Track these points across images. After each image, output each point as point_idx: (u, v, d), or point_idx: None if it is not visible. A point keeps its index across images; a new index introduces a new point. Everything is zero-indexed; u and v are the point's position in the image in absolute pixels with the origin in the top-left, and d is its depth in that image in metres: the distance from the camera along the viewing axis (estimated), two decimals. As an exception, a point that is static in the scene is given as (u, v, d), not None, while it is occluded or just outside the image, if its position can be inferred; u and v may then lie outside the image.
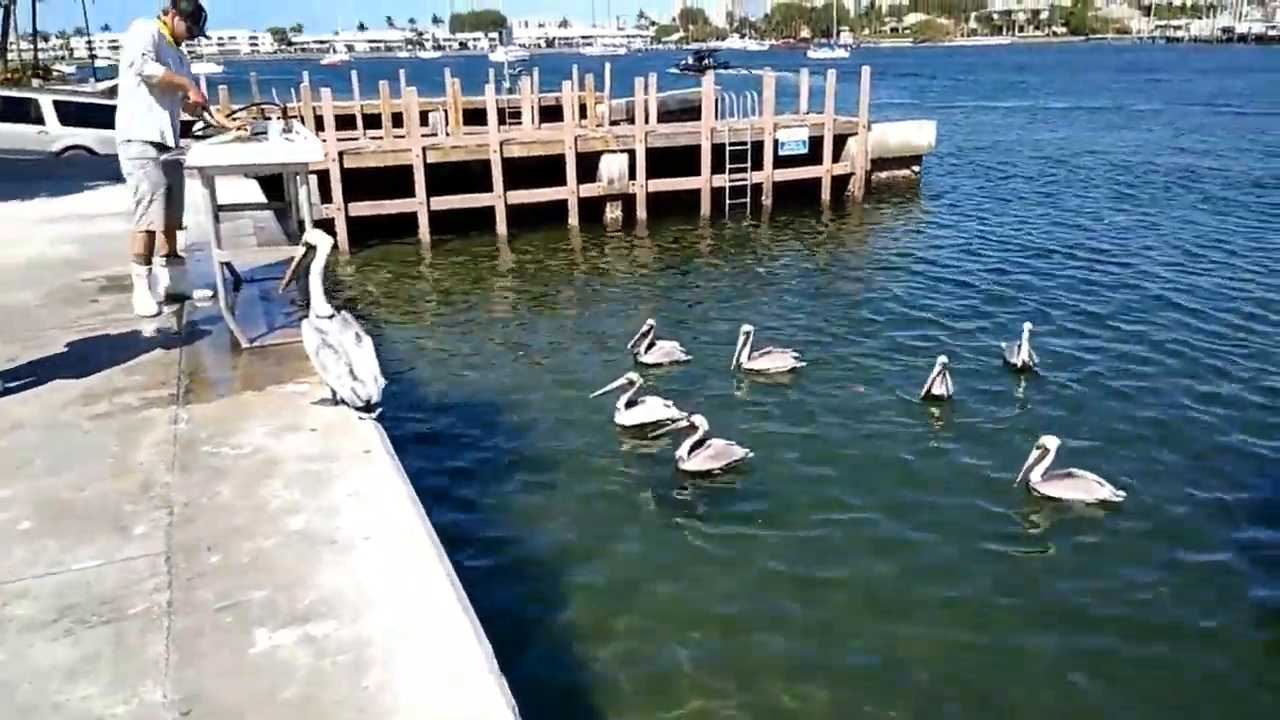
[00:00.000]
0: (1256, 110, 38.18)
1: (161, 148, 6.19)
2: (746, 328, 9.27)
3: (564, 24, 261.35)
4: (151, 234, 6.39)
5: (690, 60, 77.06)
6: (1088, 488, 6.63)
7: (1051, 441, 6.71)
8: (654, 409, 7.85)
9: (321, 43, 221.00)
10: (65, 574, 3.30)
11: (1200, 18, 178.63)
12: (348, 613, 3.07)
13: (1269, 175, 21.38)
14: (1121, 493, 6.59)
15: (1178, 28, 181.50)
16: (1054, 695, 4.86)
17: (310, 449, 4.32)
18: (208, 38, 6.59)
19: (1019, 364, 8.99)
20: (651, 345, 9.48)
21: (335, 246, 4.91)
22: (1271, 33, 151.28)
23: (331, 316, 4.51)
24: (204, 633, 2.97)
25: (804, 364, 9.29)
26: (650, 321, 9.61)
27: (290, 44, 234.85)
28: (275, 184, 9.61)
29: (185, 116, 6.46)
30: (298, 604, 3.12)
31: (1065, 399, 8.54)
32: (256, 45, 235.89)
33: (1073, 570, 6.00)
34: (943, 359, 8.43)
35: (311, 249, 4.63)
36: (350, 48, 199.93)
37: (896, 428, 8.02)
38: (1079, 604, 5.58)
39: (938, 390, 8.34)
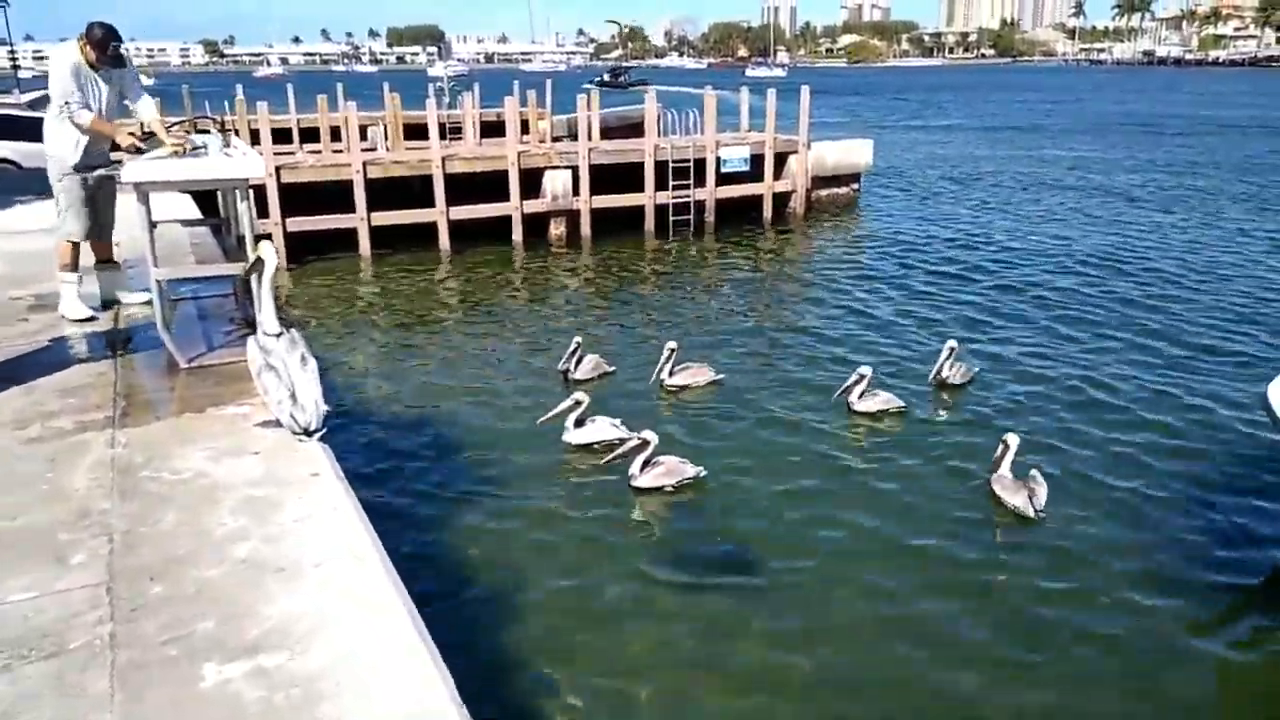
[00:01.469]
0: (1173, 130, 39.70)
1: (82, 168, 6.16)
2: (671, 344, 9.31)
3: (503, 40, 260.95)
4: (75, 244, 6.37)
5: (606, 76, 78.56)
6: (1021, 496, 6.73)
7: (1012, 439, 7.01)
8: (603, 428, 7.81)
9: (255, 55, 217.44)
10: (0, 607, 3.17)
11: (1122, 41, 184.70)
12: (299, 643, 2.99)
13: (1184, 189, 22.34)
14: (1044, 513, 6.66)
15: (1101, 51, 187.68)
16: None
17: (255, 473, 4.21)
18: (120, 66, 6.35)
19: (938, 379, 9.18)
20: (580, 361, 9.48)
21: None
22: (1188, 56, 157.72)
23: (279, 335, 4.40)
24: (150, 667, 2.87)
25: (722, 377, 9.37)
26: (577, 339, 9.61)
27: (222, 56, 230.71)
28: (209, 199, 9.41)
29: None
30: (247, 635, 3.03)
31: (982, 412, 8.69)
32: (188, 57, 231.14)
33: (1017, 570, 6.18)
34: (862, 370, 8.52)
35: (260, 263, 4.52)
36: (284, 60, 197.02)
37: (829, 440, 8.10)
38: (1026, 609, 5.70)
39: (856, 403, 8.42)
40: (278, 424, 4.45)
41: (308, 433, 4.33)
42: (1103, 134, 39.06)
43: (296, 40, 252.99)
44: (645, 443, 7.04)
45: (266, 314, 4.45)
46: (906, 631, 5.52)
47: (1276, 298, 12.79)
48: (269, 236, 14.33)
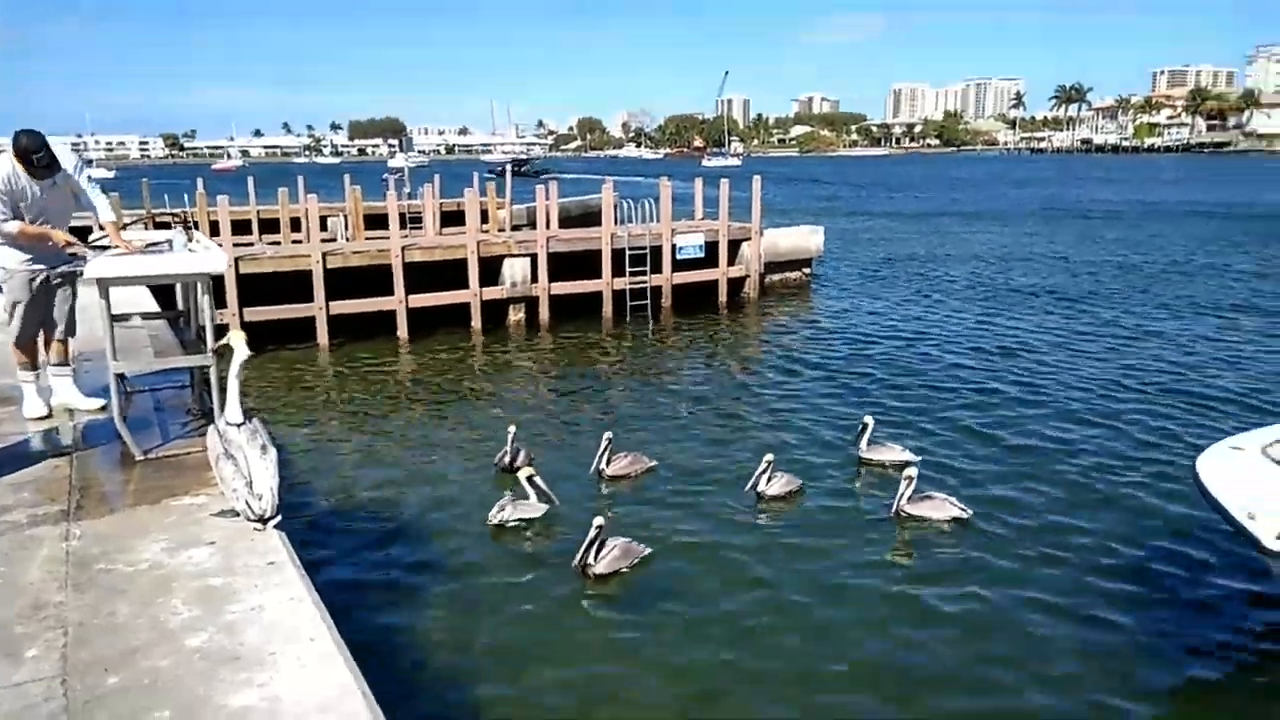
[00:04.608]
0: (1100, 215, 41.24)
1: (28, 268, 6.00)
2: (608, 434, 9.47)
3: (464, 131, 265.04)
4: (31, 345, 6.26)
5: (508, 166, 79.88)
6: (943, 508, 8.07)
7: (912, 470, 8.23)
8: (534, 507, 8.14)
9: (215, 148, 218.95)
10: (-50, 703, 3.16)
11: (1061, 130, 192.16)
12: (255, 731, 3.01)
13: (1112, 275, 23.20)
14: (969, 510, 8.08)
15: (1041, 139, 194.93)
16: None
17: (210, 563, 4.24)
18: (51, 174, 5.85)
19: (859, 455, 9.59)
20: (516, 453, 9.54)
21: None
22: (1125, 144, 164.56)
23: (241, 424, 4.48)
24: (103, 759, 2.87)
25: (656, 464, 9.55)
26: (512, 428, 9.68)
27: (182, 149, 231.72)
28: (167, 291, 9.49)
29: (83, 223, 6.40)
30: (202, 725, 3.04)
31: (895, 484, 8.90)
32: (147, 150, 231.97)
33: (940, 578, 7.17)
34: (768, 457, 8.79)
35: (229, 351, 4.63)
36: (245, 153, 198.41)
37: (757, 518, 8.44)
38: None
39: (764, 486, 8.65)
40: (235, 513, 4.50)
41: (263, 521, 4.38)
42: (1040, 221, 40.43)
43: (258, 133, 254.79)
44: (599, 529, 7.11)
45: (231, 402, 4.54)
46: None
47: (1200, 364, 13.68)
48: (227, 327, 14.36)
